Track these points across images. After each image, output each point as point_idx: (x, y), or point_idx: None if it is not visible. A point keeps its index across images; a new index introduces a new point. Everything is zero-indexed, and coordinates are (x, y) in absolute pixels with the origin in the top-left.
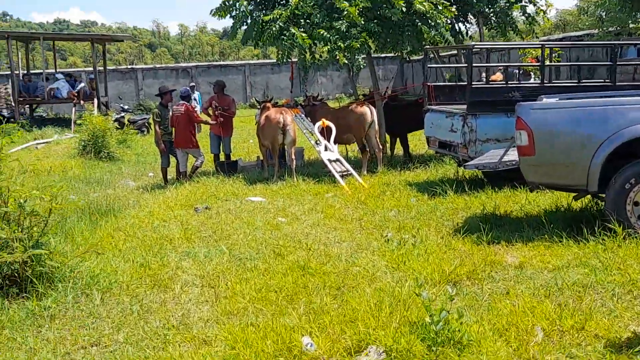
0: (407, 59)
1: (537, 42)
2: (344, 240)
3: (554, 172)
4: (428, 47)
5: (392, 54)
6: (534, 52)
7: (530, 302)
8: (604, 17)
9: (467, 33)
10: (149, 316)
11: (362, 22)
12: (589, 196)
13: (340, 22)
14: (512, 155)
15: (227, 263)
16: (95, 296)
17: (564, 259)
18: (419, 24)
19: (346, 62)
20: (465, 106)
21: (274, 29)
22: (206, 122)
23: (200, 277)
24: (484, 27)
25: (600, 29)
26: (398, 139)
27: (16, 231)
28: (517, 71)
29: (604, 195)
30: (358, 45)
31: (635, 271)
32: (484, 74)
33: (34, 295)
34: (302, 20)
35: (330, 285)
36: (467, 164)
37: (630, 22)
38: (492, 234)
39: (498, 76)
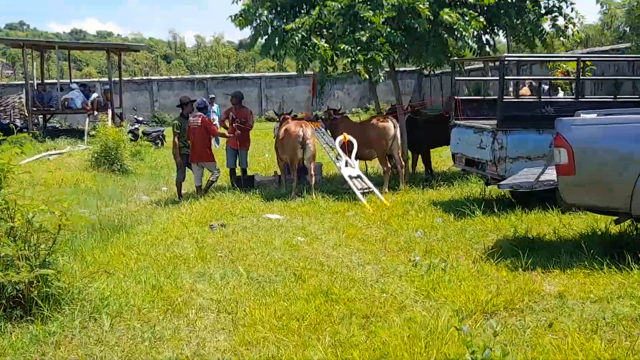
0: (432, 72)
1: (573, 55)
2: (367, 262)
3: (594, 193)
4: (455, 59)
5: (410, 68)
6: (564, 65)
7: (577, 338)
8: (627, 32)
9: (493, 45)
10: (161, 345)
11: (387, 32)
12: (628, 220)
13: (363, 32)
14: (550, 174)
15: (244, 286)
16: (104, 321)
17: (607, 289)
18: (445, 35)
19: (367, 76)
20: (494, 121)
21: (296, 38)
22: (223, 135)
23: (216, 301)
24: (511, 39)
25: (634, 43)
26: (420, 156)
27: (22, 248)
28: (545, 86)
29: None
30: (380, 59)
31: None
32: (511, 88)
33: (38, 318)
34: (324, 30)
35: (356, 314)
36: (501, 183)
37: None
38: (527, 260)
39: (526, 91)
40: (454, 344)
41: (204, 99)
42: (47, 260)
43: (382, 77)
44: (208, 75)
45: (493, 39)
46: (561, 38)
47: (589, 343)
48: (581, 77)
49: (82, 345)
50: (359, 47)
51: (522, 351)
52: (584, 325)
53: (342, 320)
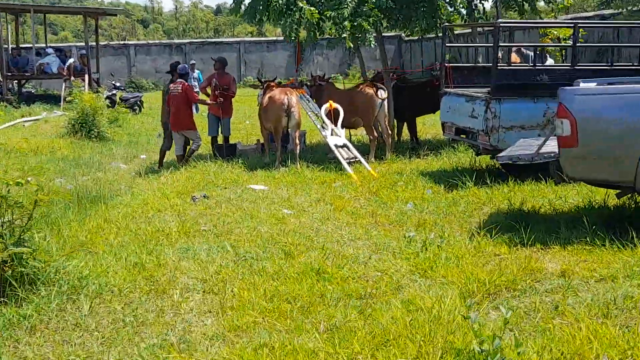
0: (420, 38)
1: (569, 21)
2: (358, 238)
3: (598, 166)
4: (447, 24)
5: (389, 34)
6: (556, 32)
7: (589, 323)
8: None
9: (484, 11)
10: (144, 330)
11: None
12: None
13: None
14: (550, 146)
15: (231, 264)
16: (83, 303)
17: (612, 267)
18: None
19: (351, 45)
20: (486, 89)
21: (280, 1)
22: (204, 102)
23: (202, 280)
24: (500, 6)
25: (625, 9)
26: (405, 124)
27: None
28: (531, 53)
29: None
30: (368, 26)
31: None
32: (500, 55)
33: (12, 300)
34: None
35: (351, 295)
36: (499, 155)
37: None
38: (525, 235)
39: (515, 58)
40: (459, 331)
41: (185, 65)
42: (22, 237)
43: (373, 42)
44: (186, 40)
45: (483, 5)
46: (550, 4)
47: (603, 329)
48: (577, 44)
49: (59, 330)
50: (345, 14)
51: (532, 338)
52: (594, 309)
53: (337, 303)
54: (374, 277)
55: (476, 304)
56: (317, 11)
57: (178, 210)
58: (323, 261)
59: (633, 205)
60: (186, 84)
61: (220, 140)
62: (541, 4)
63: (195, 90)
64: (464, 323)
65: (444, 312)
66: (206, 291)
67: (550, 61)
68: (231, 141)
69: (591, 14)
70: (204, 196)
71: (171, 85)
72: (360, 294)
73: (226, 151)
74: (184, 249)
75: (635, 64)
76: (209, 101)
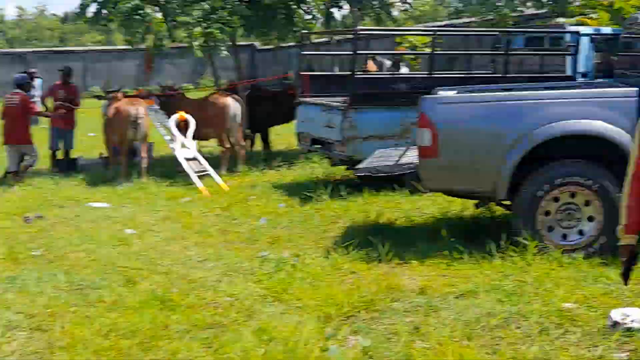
0: (279, 46)
1: (428, 29)
2: (207, 259)
3: (458, 176)
4: (305, 32)
5: (243, 43)
6: (412, 40)
7: (453, 347)
8: (460, 8)
9: (342, 19)
10: None
11: (232, 3)
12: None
13: (202, 3)
14: (409, 157)
15: (64, 294)
16: None
17: (471, 282)
18: (294, 6)
19: (200, 54)
20: (343, 99)
21: (128, 6)
22: (45, 115)
23: (29, 316)
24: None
25: (479, 18)
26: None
27: None
28: (387, 62)
29: (509, 203)
30: (221, 35)
31: (556, 296)
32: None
33: None
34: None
35: (198, 325)
36: (358, 167)
37: (508, 10)
38: (383, 250)
39: (372, 66)
40: None
41: (24, 75)
42: None
43: (226, 51)
44: (29, 49)
45: (340, 13)
46: (405, 11)
47: (468, 353)
48: (435, 52)
49: None
50: (199, 19)
51: None
52: (457, 330)
53: (183, 335)
54: (224, 303)
55: (335, 330)
56: (163, 20)
57: (7, 234)
58: (168, 287)
59: (489, 216)
60: (24, 95)
61: (60, 154)
62: (396, 13)
63: (36, 99)
64: (323, 355)
65: (301, 343)
66: (33, 328)
67: (405, 69)
68: (73, 156)
69: (443, 23)
70: (38, 216)
71: (7, 96)
72: (208, 323)
73: (67, 166)
74: (10, 278)
75: (490, 71)
76: (49, 113)
